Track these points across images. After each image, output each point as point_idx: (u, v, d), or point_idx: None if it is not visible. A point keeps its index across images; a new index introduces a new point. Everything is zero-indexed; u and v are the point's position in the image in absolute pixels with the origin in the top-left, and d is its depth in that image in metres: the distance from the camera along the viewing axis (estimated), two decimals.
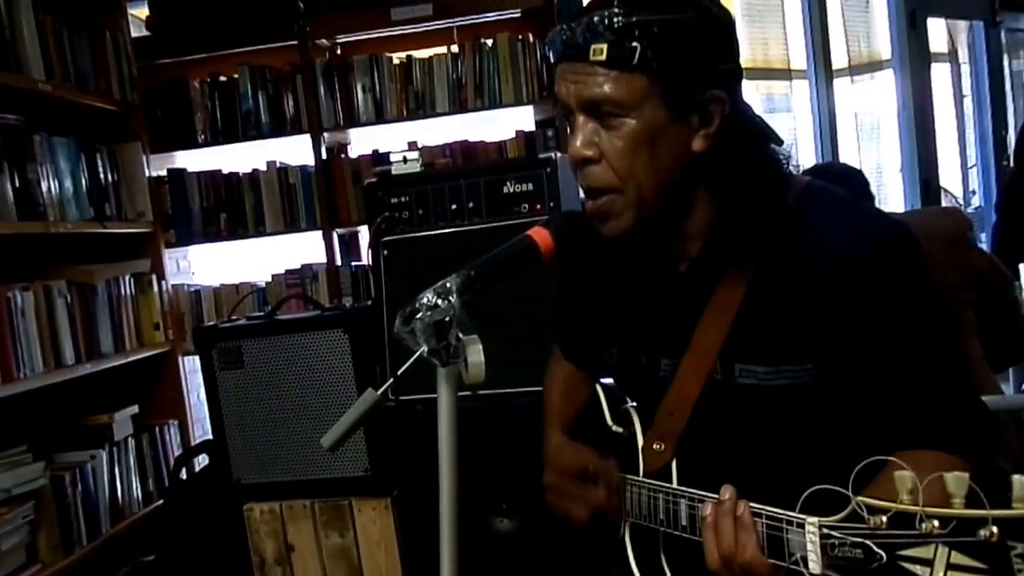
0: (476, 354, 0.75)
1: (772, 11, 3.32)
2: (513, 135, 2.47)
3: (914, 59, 3.47)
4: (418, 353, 0.75)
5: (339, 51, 2.55)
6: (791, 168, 0.86)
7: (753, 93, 3.52)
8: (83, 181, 2.14)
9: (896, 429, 0.76)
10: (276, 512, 1.75)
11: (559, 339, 1.11)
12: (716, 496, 0.74)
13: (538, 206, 1.66)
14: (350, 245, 2.62)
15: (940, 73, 3.79)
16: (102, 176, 2.23)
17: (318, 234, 2.47)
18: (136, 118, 2.34)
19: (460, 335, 0.75)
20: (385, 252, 1.71)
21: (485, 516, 1.64)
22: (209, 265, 2.69)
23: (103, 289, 2.13)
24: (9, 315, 1.77)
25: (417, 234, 1.70)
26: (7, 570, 1.70)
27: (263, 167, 2.52)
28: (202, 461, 2.17)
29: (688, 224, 0.85)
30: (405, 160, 1.76)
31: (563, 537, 1.01)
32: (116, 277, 2.19)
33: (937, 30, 3.75)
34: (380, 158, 2.43)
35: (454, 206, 1.68)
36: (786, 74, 3.38)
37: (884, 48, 3.64)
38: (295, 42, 2.39)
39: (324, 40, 2.47)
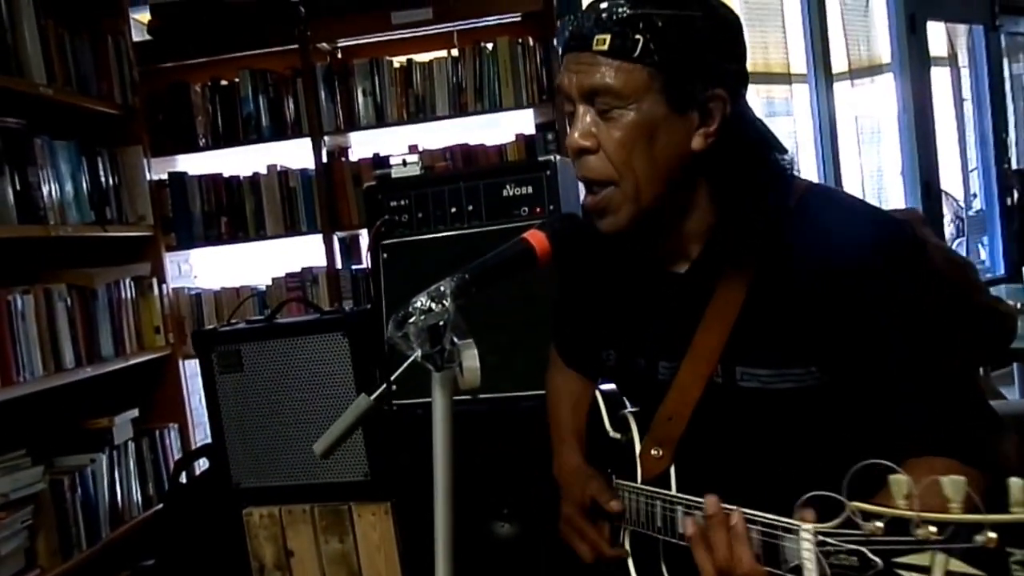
0: (471, 359, 0.74)
1: (772, 15, 3.32)
2: (513, 138, 2.48)
3: (914, 63, 3.47)
4: (412, 358, 0.74)
5: (339, 55, 2.55)
6: (793, 173, 0.85)
7: (753, 97, 3.52)
8: (84, 184, 2.14)
9: (897, 429, 0.75)
10: (275, 517, 1.74)
11: (558, 342, 1.10)
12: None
13: (538, 209, 1.65)
14: (350, 248, 2.62)
15: (940, 77, 3.79)
16: (103, 179, 2.23)
17: (318, 237, 2.47)
18: (137, 122, 2.35)
19: (455, 339, 0.74)
20: (385, 255, 1.71)
21: (486, 521, 1.63)
22: (210, 268, 2.70)
23: (103, 292, 2.13)
24: (9, 318, 1.77)
25: (417, 237, 1.70)
26: (5, 575, 1.70)
27: (264, 170, 2.53)
28: (202, 465, 2.17)
29: (688, 224, 0.85)
30: (405, 163, 1.76)
31: (563, 547, 1.00)
32: (116, 280, 2.19)
33: (936, 34, 3.75)
34: (380, 161, 2.44)
35: (454, 209, 1.68)
36: (786, 78, 3.38)
37: (884, 52, 3.64)
38: (296, 46, 2.39)
39: (325, 44, 2.47)
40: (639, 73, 0.77)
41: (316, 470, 1.69)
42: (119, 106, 2.29)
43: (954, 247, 4.08)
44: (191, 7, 2.40)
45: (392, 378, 0.78)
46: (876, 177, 3.82)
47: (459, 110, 2.43)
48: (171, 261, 2.47)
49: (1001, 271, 3.91)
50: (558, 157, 1.72)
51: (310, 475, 1.70)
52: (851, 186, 3.61)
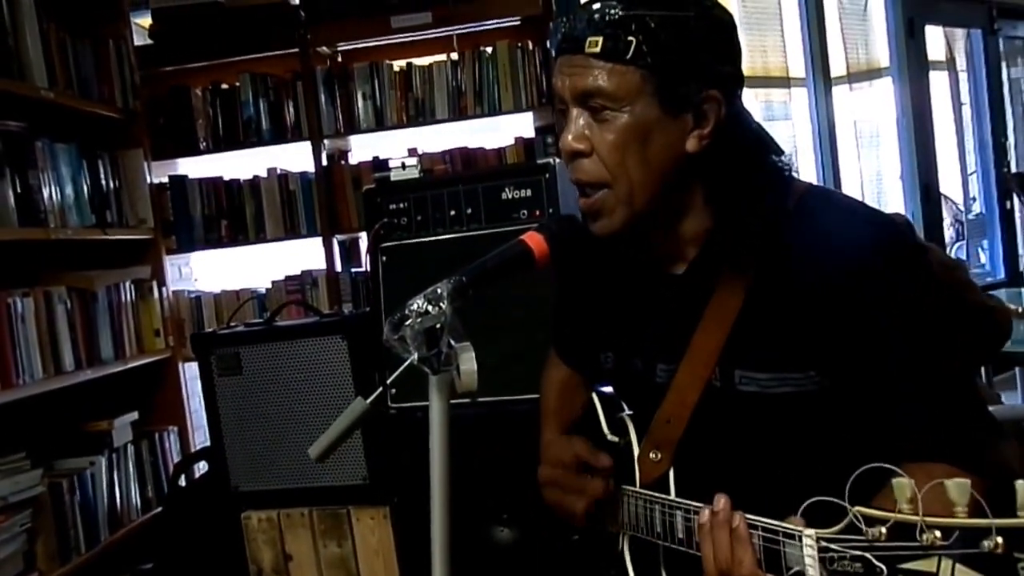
0: (468, 362, 0.73)
1: (770, 19, 3.33)
2: (512, 142, 2.48)
3: (913, 67, 3.48)
4: (408, 361, 0.73)
5: (339, 59, 2.56)
6: (791, 175, 0.85)
7: (752, 101, 3.53)
8: (84, 187, 2.15)
9: (896, 429, 0.75)
10: (274, 520, 1.74)
11: (556, 343, 1.10)
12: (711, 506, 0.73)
13: (537, 212, 1.65)
14: (350, 251, 2.62)
15: (938, 81, 3.80)
16: (103, 183, 2.24)
17: (318, 240, 2.48)
18: (138, 125, 2.36)
19: (452, 342, 0.73)
20: (384, 258, 1.71)
21: (484, 525, 1.63)
22: (210, 271, 2.70)
23: (103, 295, 2.13)
24: (9, 321, 1.77)
25: (416, 240, 1.70)
26: None
27: (264, 174, 2.53)
28: (202, 468, 2.16)
29: (684, 227, 0.84)
30: (404, 166, 1.76)
31: (561, 551, 0.99)
32: (116, 283, 2.19)
33: (934, 38, 3.76)
34: (380, 165, 2.43)
35: (453, 212, 1.68)
36: (785, 82, 3.39)
37: (883, 56, 3.65)
38: (296, 50, 2.40)
39: (325, 48, 2.48)
40: (632, 75, 0.77)
41: (315, 474, 1.69)
42: (120, 109, 2.30)
43: (954, 251, 4.08)
44: (192, 11, 2.41)
45: (388, 381, 0.78)
46: (875, 181, 3.82)
47: (458, 113, 2.44)
48: (171, 264, 2.47)
49: (1001, 275, 3.91)
50: (557, 160, 1.72)
51: (309, 479, 1.70)
52: (850, 190, 3.61)
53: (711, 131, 0.79)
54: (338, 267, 2.49)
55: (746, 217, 0.80)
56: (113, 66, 2.28)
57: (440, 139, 2.54)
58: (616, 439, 0.94)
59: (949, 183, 3.89)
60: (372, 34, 2.41)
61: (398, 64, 2.49)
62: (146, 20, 2.53)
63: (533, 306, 1.45)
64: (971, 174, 4.08)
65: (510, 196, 1.67)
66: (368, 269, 1.76)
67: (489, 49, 2.43)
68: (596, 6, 0.79)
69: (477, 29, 2.42)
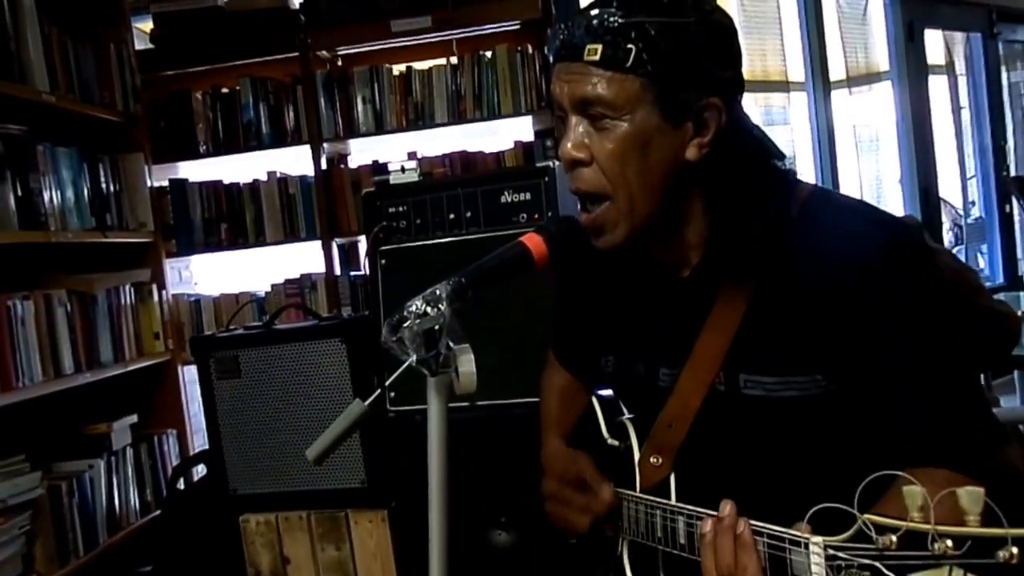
0: (467, 364, 0.73)
1: (769, 23, 3.34)
2: (512, 146, 2.49)
3: (912, 71, 3.48)
4: (407, 363, 0.73)
5: (339, 63, 2.57)
6: (795, 179, 0.84)
7: (751, 105, 3.53)
8: (85, 191, 2.15)
9: (897, 429, 0.74)
10: (272, 524, 1.74)
11: (556, 346, 1.09)
12: (716, 513, 0.72)
13: (536, 216, 1.65)
14: (349, 255, 2.62)
15: (937, 85, 3.80)
16: (104, 186, 2.25)
17: (317, 244, 2.48)
18: (139, 129, 2.37)
19: (451, 344, 0.73)
20: (383, 261, 1.71)
21: (483, 529, 1.63)
22: (210, 275, 2.70)
23: (103, 298, 2.13)
24: (9, 324, 1.78)
25: (415, 243, 1.70)
26: None
27: (263, 177, 2.54)
28: (201, 471, 2.16)
29: (686, 233, 0.84)
30: (403, 169, 1.76)
31: (560, 556, 0.99)
32: (116, 287, 2.20)
33: (934, 42, 3.76)
34: (380, 168, 2.45)
35: (452, 215, 1.68)
36: (784, 86, 3.39)
37: (882, 60, 3.65)
38: (296, 54, 2.41)
39: (325, 52, 2.49)
40: (631, 84, 0.76)
41: (313, 477, 1.69)
42: (121, 113, 2.30)
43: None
44: (193, 16, 2.42)
45: (387, 383, 0.77)
46: (875, 185, 3.82)
47: (458, 117, 2.44)
48: (171, 267, 2.48)
49: (1000, 279, 3.91)
50: (556, 163, 1.72)
51: (307, 482, 1.70)
52: (849, 195, 3.60)
53: (712, 139, 0.79)
54: (337, 271, 2.50)
55: (747, 222, 0.79)
56: (114, 70, 2.29)
57: (439, 143, 2.54)
58: (616, 443, 0.94)
59: (948, 187, 3.89)
60: (372, 38, 2.42)
61: (398, 68, 2.50)
62: (147, 24, 2.54)
63: (532, 309, 1.45)
64: (970, 178, 4.08)
65: (509, 200, 1.67)
66: (367, 273, 1.77)
67: (488, 53, 2.43)
68: (595, 13, 0.77)
69: (477, 33, 2.43)
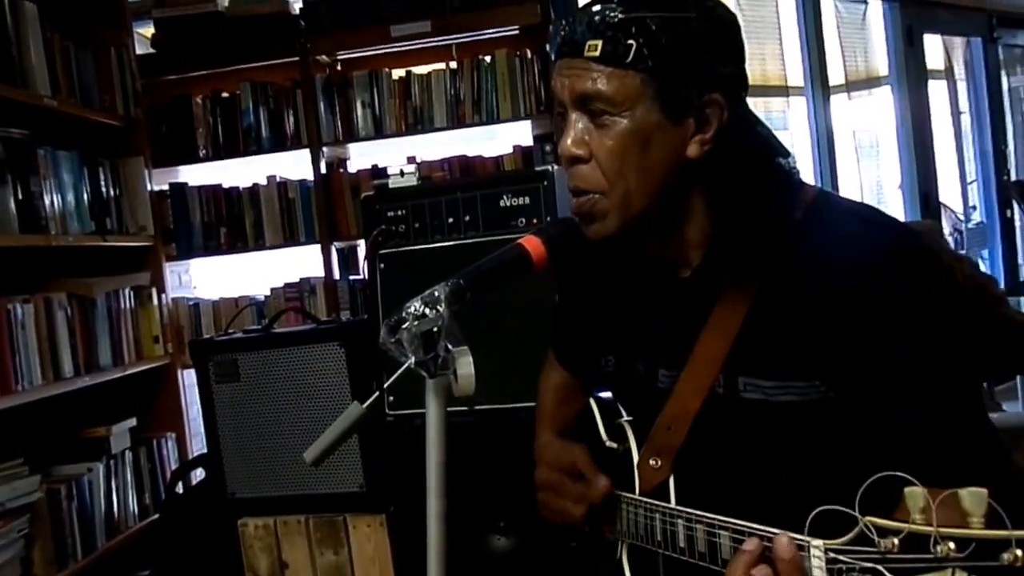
0: (466, 366, 0.73)
1: (768, 28, 3.34)
2: (511, 150, 2.49)
3: (911, 75, 3.49)
4: (405, 365, 0.72)
5: (339, 67, 2.57)
6: (799, 179, 0.83)
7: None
8: (85, 195, 2.16)
9: (895, 430, 0.73)
10: (270, 528, 1.73)
11: (555, 345, 1.08)
12: (723, 520, 0.71)
13: (535, 220, 1.66)
14: (348, 259, 2.63)
15: (936, 90, 3.81)
16: (104, 190, 2.25)
17: (317, 248, 2.48)
18: (139, 133, 2.37)
19: (449, 346, 0.72)
20: (382, 265, 1.71)
21: (482, 534, 1.62)
22: (209, 278, 2.71)
23: (103, 302, 2.13)
24: (9, 327, 1.78)
25: (414, 247, 1.70)
26: None
27: (263, 181, 2.54)
28: (200, 475, 2.16)
29: (687, 231, 0.82)
30: (402, 173, 1.77)
31: (559, 561, 0.98)
32: (116, 290, 2.20)
33: (933, 47, 3.77)
34: (379, 173, 2.45)
35: (451, 219, 1.69)
36: (783, 91, 3.39)
37: (881, 64, 3.66)
38: (296, 58, 2.42)
39: (324, 56, 2.50)
40: (632, 80, 0.74)
41: (311, 481, 1.69)
42: (121, 117, 2.31)
43: None
44: (194, 21, 2.43)
45: (385, 386, 0.77)
46: (875, 190, 3.82)
47: (457, 122, 2.45)
48: (171, 271, 2.48)
49: (1001, 284, 3.91)
50: (555, 167, 1.72)
51: (305, 486, 1.69)
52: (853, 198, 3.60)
53: (713, 136, 0.77)
54: (336, 275, 2.50)
55: (751, 219, 0.78)
56: (115, 74, 2.30)
57: (439, 147, 2.55)
58: (615, 445, 0.92)
59: (949, 192, 3.89)
60: (371, 43, 2.43)
61: (397, 73, 2.51)
62: (148, 29, 2.55)
63: (531, 314, 1.45)
64: (971, 183, 4.08)
65: (508, 204, 1.67)
66: (366, 277, 1.77)
67: (488, 58, 2.44)
68: (596, 8, 0.76)
69: (476, 38, 2.43)
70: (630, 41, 0.74)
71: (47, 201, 1.98)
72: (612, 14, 0.75)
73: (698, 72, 0.75)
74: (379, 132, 2.48)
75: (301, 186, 2.51)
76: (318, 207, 2.47)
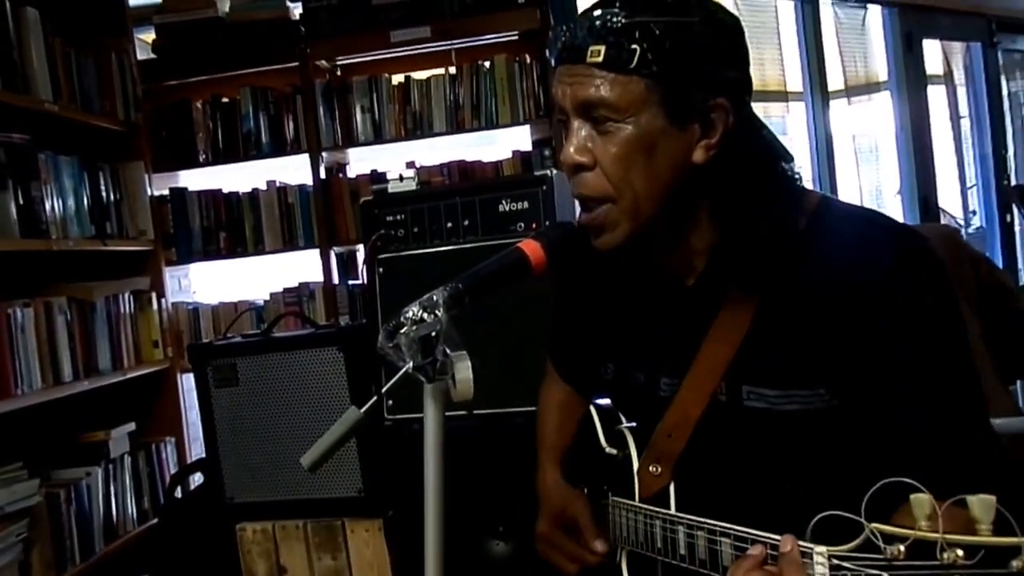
0: (464, 371, 0.72)
1: (768, 33, 3.35)
2: (510, 155, 2.50)
3: (911, 81, 3.50)
4: (403, 370, 0.72)
5: (339, 72, 2.58)
6: (802, 185, 0.83)
7: None
8: (86, 199, 2.16)
9: (896, 430, 0.73)
10: (269, 532, 1.73)
11: (554, 354, 1.08)
12: (725, 526, 0.70)
13: (534, 224, 1.66)
14: (348, 264, 2.63)
15: (936, 95, 3.81)
16: (105, 194, 2.26)
17: (316, 253, 2.49)
18: (139, 138, 2.38)
19: (448, 351, 0.72)
20: (381, 270, 1.71)
21: (480, 539, 1.62)
22: (209, 283, 2.71)
23: (102, 306, 2.14)
24: (9, 331, 1.78)
25: (413, 252, 1.71)
26: None
27: (263, 186, 2.55)
28: (198, 479, 2.16)
29: (692, 238, 0.81)
30: (401, 178, 1.77)
31: (556, 567, 0.98)
32: (115, 294, 2.20)
33: (932, 52, 3.78)
34: (378, 178, 2.46)
35: (450, 224, 1.69)
36: (782, 96, 3.40)
37: (881, 70, 3.66)
38: (296, 64, 2.42)
39: (324, 62, 2.51)
40: (636, 85, 0.73)
41: (309, 486, 1.68)
42: (122, 122, 2.32)
43: None
44: (194, 27, 2.44)
45: (384, 390, 0.77)
46: (874, 196, 3.82)
47: (456, 127, 2.46)
48: (170, 275, 2.49)
49: None
50: (554, 172, 1.73)
51: (303, 490, 1.69)
52: (856, 203, 3.61)
53: (719, 140, 0.76)
54: (335, 279, 2.50)
55: (755, 222, 0.77)
56: (116, 80, 2.31)
57: (438, 152, 2.55)
58: (614, 451, 0.92)
59: (948, 197, 3.89)
60: (371, 48, 2.44)
61: (397, 78, 2.51)
62: (149, 35, 2.56)
63: (530, 319, 1.45)
64: (970, 187, 4.08)
65: (507, 208, 1.67)
66: (365, 281, 1.77)
67: (487, 63, 2.45)
68: (598, 13, 0.75)
69: (475, 43, 2.44)
70: (634, 46, 0.73)
71: (48, 206, 1.99)
72: (615, 19, 0.74)
73: (703, 76, 0.74)
74: (378, 137, 2.49)
75: (300, 191, 2.52)
76: (317, 212, 2.47)
